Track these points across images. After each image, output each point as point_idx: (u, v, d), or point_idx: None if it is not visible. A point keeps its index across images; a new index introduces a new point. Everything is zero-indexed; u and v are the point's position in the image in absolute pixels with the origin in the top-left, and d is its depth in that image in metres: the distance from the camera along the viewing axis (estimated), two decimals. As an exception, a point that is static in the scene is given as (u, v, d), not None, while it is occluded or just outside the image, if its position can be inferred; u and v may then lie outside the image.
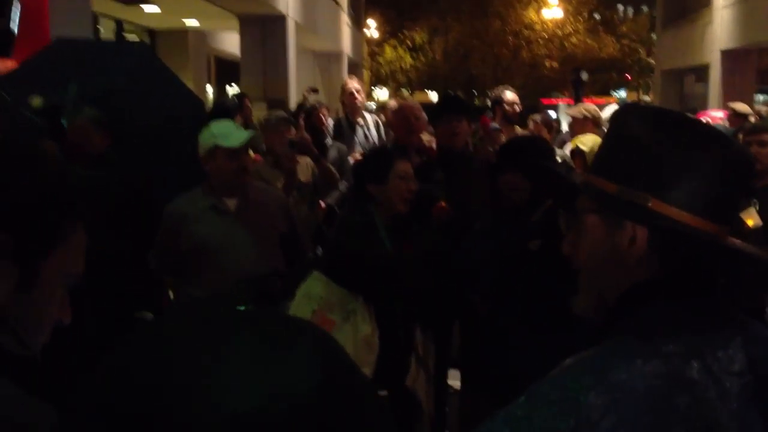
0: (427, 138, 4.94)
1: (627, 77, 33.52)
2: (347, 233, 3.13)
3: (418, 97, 32.87)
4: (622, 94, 34.98)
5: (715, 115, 11.72)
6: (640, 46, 31.92)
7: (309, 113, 5.95)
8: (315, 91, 7.37)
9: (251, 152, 5.83)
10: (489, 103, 6.98)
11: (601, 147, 1.25)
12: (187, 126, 3.97)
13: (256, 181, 3.80)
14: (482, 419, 1.04)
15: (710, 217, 1.10)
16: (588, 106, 6.20)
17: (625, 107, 1.24)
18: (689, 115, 1.31)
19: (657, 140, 1.13)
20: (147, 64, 4.48)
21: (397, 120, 4.75)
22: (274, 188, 3.91)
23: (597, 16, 32.65)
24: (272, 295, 3.23)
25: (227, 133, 3.38)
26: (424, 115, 4.75)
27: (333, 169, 4.91)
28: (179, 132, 3.97)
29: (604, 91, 33.06)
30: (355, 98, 6.06)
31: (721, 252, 1.12)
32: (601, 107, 7.84)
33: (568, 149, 5.74)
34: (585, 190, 1.21)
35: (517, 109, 6.18)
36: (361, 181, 3.27)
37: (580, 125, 6.07)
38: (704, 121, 5.48)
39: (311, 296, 3.02)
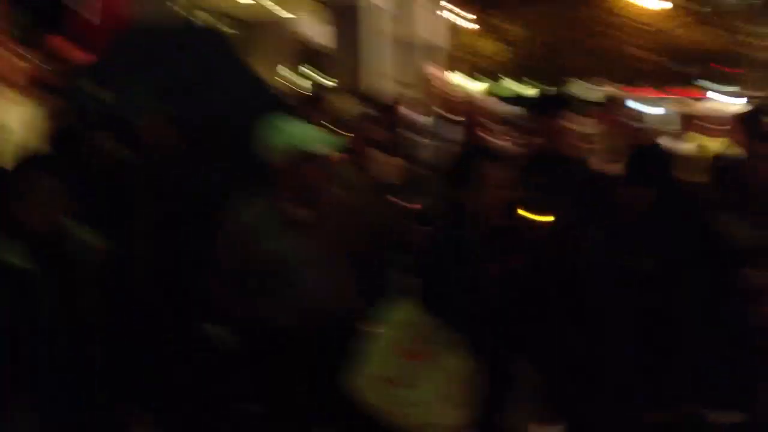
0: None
1: (738, 71, 31.77)
2: (437, 253, 2.76)
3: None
4: (719, 86, 33.14)
5: None
6: (753, 38, 30.19)
7: (398, 110, 5.63)
8: (407, 85, 7.09)
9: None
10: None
11: None
12: (260, 120, 3.73)
13: (333, 188, 3.49)
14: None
15: None
16: (692, 103, 5.67)
17: None
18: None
19: None
20: (218, 52, 4.24)
21: (465, 122, 4.33)
22: (351, 196, 3.58)
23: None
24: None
25: (310, 137, 3.06)
26: (496, 113, 4.34)
27: (423, 170, 4.53)
28: (251, 127, 3.73)
29: (693, 82, 31.38)
30: (450, 93, 5.69)
31: None
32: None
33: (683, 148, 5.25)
34: None
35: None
36: (452, 187, 2.89)
37: (686, 122, 5.55)
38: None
39: (401, 324, 2.66)
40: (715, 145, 4.99)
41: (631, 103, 7.22)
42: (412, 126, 5.55)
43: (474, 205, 2.77)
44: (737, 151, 5.08)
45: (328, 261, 3.06)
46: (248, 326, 3.14)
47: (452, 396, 2.53)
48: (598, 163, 4.53)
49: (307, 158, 3.02)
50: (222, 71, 4.03)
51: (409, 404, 2.54)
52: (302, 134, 3.07)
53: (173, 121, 3.62)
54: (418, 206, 4.53)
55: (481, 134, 4.13)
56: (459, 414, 2.52)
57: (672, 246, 2.59)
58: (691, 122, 5.63)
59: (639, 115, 6.09)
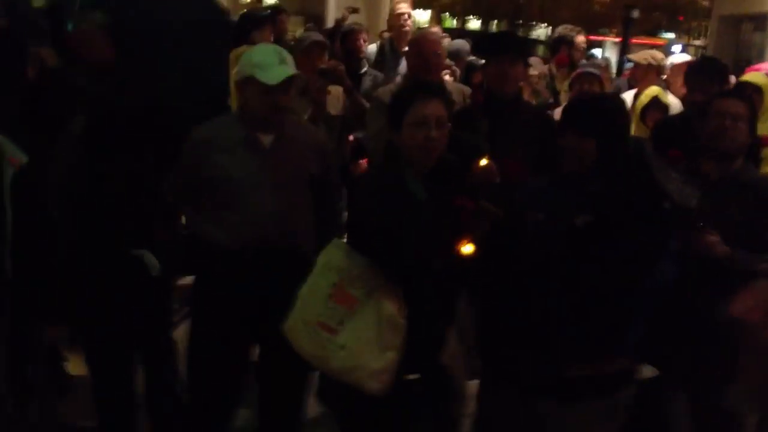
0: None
1: (679, 18, 32.02)
2: (369, 194, 2.65)
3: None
4: (671, 36, 33.56)
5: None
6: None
7: (345, 36, 5.44)
8: (355, 10, 6.87)
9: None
10: (540, 37, 6.58)
11: None
12: (206, 36, 3.55)
13: (293, 116, 3.36)
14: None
15: None
16: (655, 53, 5.62)
17: None
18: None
19: None
20: None
21: (412, 55, 4.13)
22: (312, 126, 3.48)
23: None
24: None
25: (267, 65, 2.92)
26: (444, 50, 4.17)
27: (365, 102, 4.41)
28: (196, 43, 3.55)
29: (653, 31, 31.68)
30: (405, 23, 5.52)
31: None
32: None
33: (627, 98, 5.24)
34: None
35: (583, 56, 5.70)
36: (392, 123, 2.72)
37: (642, 73, 5.52)
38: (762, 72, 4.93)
39: (331, 267, 2.59)
40: (652, 93, 4.99)
41: (593, 50, 7.17)
42: (359, 55, 5.39)
43: (409, 141, 2.61)
44: (671, 99, 5.12)
45: (279, 187, 2.99)
46: (194, 245, 3.09)
47: (380, 340, 2.49)
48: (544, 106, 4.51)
49: (262, 90, 2.90)
50: None
51: (337, 347, 2.51)
52: (263, 63, 2.94)
53: (110, 30, 3.42)
54: (357, 136, 4.45)
55: (420, 72, 3.97)
56: (386, 358, 2.49)
57: (611, 202, 2.51)
58: (639, 71, 5.60)
59: (595, 61, 6.06)
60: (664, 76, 5.58)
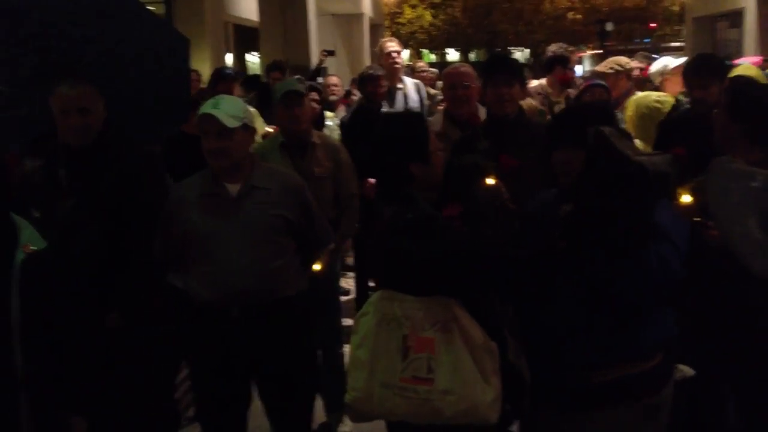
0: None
1: (652, 26, 32.45)
2: (408, 234, 2.52)
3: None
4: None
5: (752, 60, 11.00)
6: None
7: (365, 82, 5.60)
8: (331, 53, 7.05)
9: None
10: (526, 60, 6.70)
11: None
12: (170, 65, 3.65)
13: (266, 164, 3.39)
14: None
15: None
16: (618, 59, 5.68)
17: None
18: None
19: None
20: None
21: (445, 89, 4.33)
22: (286, 171, 3.46)
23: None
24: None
25: (216, 107, 2.99)
26: (476, 82, 4.10)
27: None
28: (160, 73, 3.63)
29: (628, 41, 32.05)
30: (395, 60, 5.68)
31: None
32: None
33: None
34: None
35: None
36: (400, 160, 2.69)
37: (612, 81, 5.55)
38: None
39: (390, 320, 2.45)
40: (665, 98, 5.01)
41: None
42: (378, 98, 5.57)
43: (427, 174, 2.66)
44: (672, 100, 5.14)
45: (251, 237, 3.01)
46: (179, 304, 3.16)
47: (481, 371, 2.37)
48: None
49: (204, 131, 2.99)
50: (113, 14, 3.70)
51: (441, 395, 2.35)
52: (211, 105, 3.01)
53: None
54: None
55: (450, 106, 4.07)
56: (494, 386, 2.38)
57: (586, 187, 2.50)
58: (609, 80, 5.62)
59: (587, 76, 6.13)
60: (659, 80, 5.63)
